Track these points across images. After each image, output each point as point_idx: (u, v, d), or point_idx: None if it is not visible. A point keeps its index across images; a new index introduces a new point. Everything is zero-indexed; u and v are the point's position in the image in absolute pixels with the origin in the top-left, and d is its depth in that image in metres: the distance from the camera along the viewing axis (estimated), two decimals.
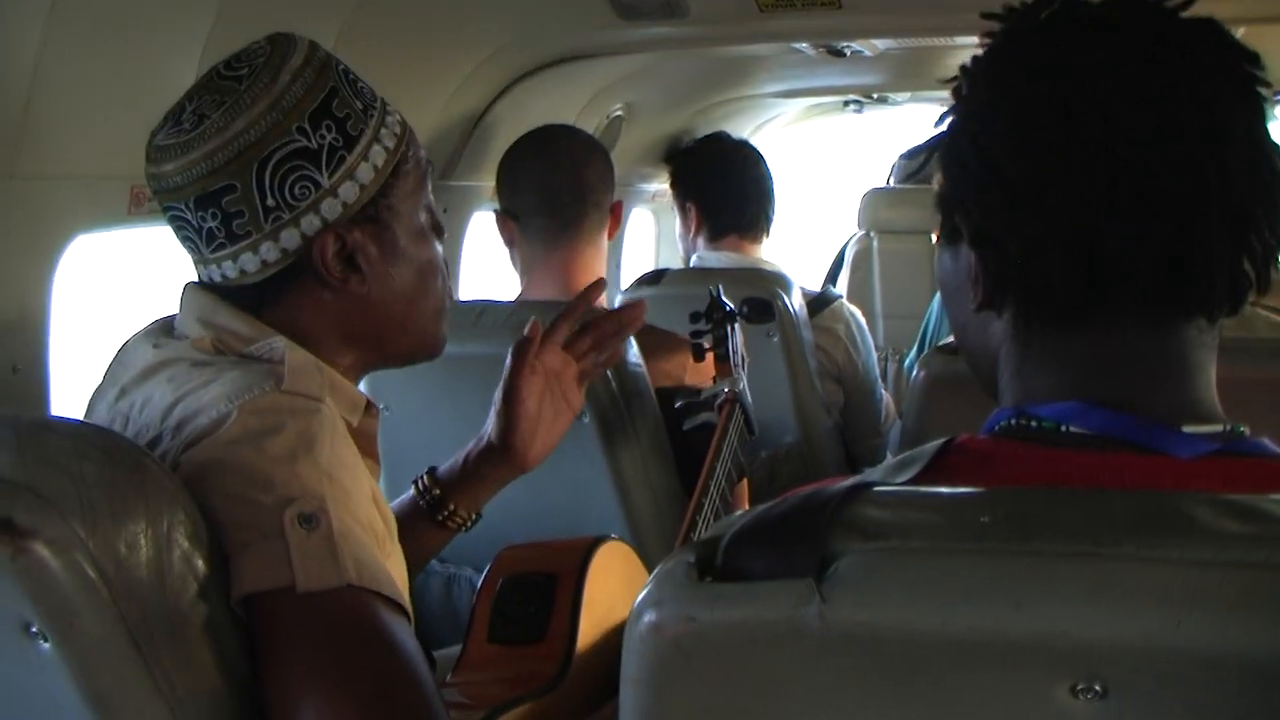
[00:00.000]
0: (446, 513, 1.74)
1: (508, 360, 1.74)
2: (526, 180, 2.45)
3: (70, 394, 2.04)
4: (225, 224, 1.39)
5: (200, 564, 1.20)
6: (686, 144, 3.57)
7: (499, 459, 1.75)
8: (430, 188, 1.54)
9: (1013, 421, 1.05)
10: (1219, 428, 1.01)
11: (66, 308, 2.01)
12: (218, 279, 1.43)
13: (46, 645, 1.12)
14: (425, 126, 1.49)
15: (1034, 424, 1.04)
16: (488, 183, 3.22)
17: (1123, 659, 0.77)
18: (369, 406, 1.49)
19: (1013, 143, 1.03)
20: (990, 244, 1.05)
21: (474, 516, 1.78)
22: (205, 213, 1.39)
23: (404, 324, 1.51)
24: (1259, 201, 1.00)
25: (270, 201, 1.38)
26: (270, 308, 1.44)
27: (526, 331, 1.75)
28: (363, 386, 1.57)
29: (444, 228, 1.58)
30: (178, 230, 1.43)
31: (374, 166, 1.43)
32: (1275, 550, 0.78)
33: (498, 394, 1.74)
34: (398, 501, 1.77)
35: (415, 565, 1.69)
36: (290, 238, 1.40)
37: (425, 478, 1.77)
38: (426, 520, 1.74)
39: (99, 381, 1.48)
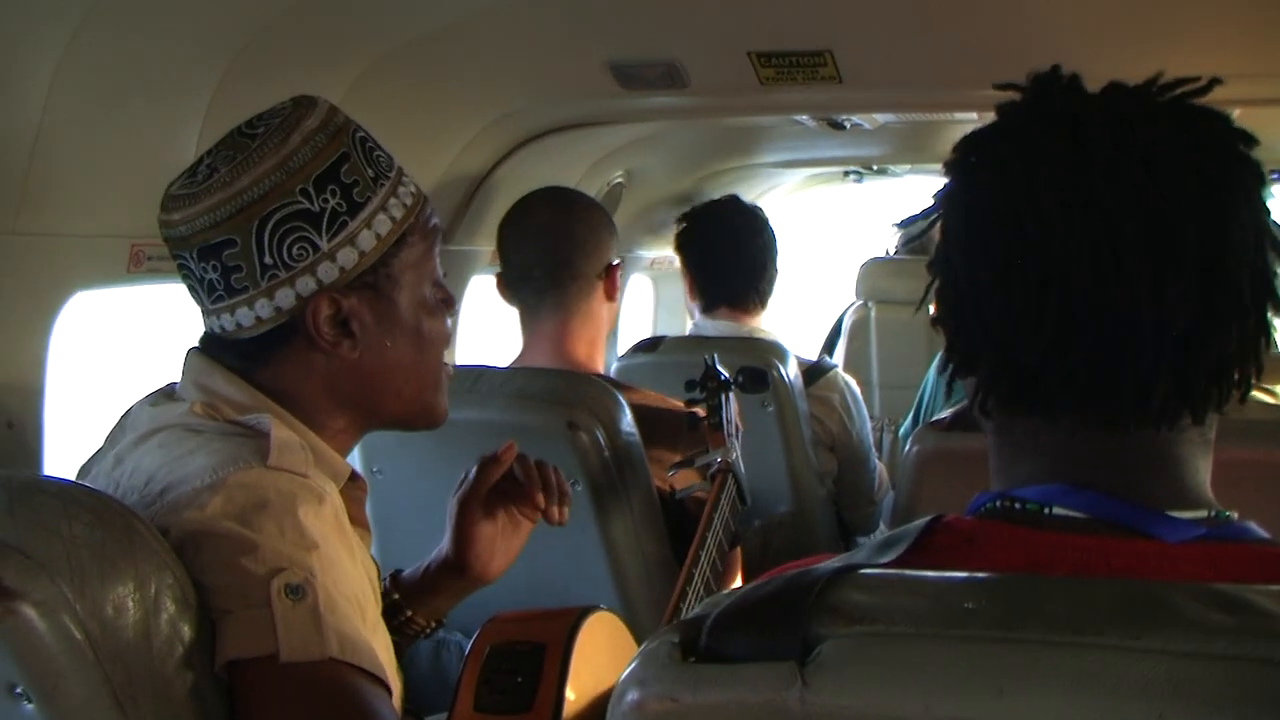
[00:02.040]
0: (403, 618, 1.72)
1: (471, 473, 1.72)
2: (508, 248, 2.45)
3: (64, 452, 2.04)
4: (225, 277, 1.40)
5: (186, 628, 1.20)
6: (695, 207, 3.53)
7: (458, 574, 1.72)
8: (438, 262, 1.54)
9: (998, 504, 1.05)
10: (1205, 513, 1.01)
11: (64, 365, 2.02)
12: (217, 330, 1.45)
13: (30, 706, 1.12)
14: (427, 189, 1.50)
15: (1018, 505, 1.03)
16: (487, 247, 3.24)
17: None
18: (354, 476, 1.50)
19: (960, 240, 1.04)
20: (948, 324, 1.07)
21: (432, 625, 1.75)
22: (207, 264, 1.41)
23: (398, 392, 1.51)
24: (1213, 316, 0.97)
25: (268, 259, 1.39)
26: (263, 365, 1.45)
27: (500, 451, 1.73)
28: (357, 449, 1.57)
29: (456, 303, 1.59)
30: (185, 279, 1.46)
31: (377, 235, 1.44)
32: (1260, 643, 0.77)
33: (451, 506, 1.72)
34: None
35: None
36: (285, 297, 1.41)
37: (389, 579, 1.74)
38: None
39: (99, 444, 1.49)
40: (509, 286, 2.45)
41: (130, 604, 1.16)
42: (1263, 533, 1.02)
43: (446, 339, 1.57)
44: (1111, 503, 1.00)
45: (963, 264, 1.04)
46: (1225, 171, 0.99)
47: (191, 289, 1.46)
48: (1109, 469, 1.01)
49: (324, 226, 1.40)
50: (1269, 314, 1.01)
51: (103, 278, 2.08)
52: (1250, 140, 1.02)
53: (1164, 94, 1.03)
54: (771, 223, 3.50)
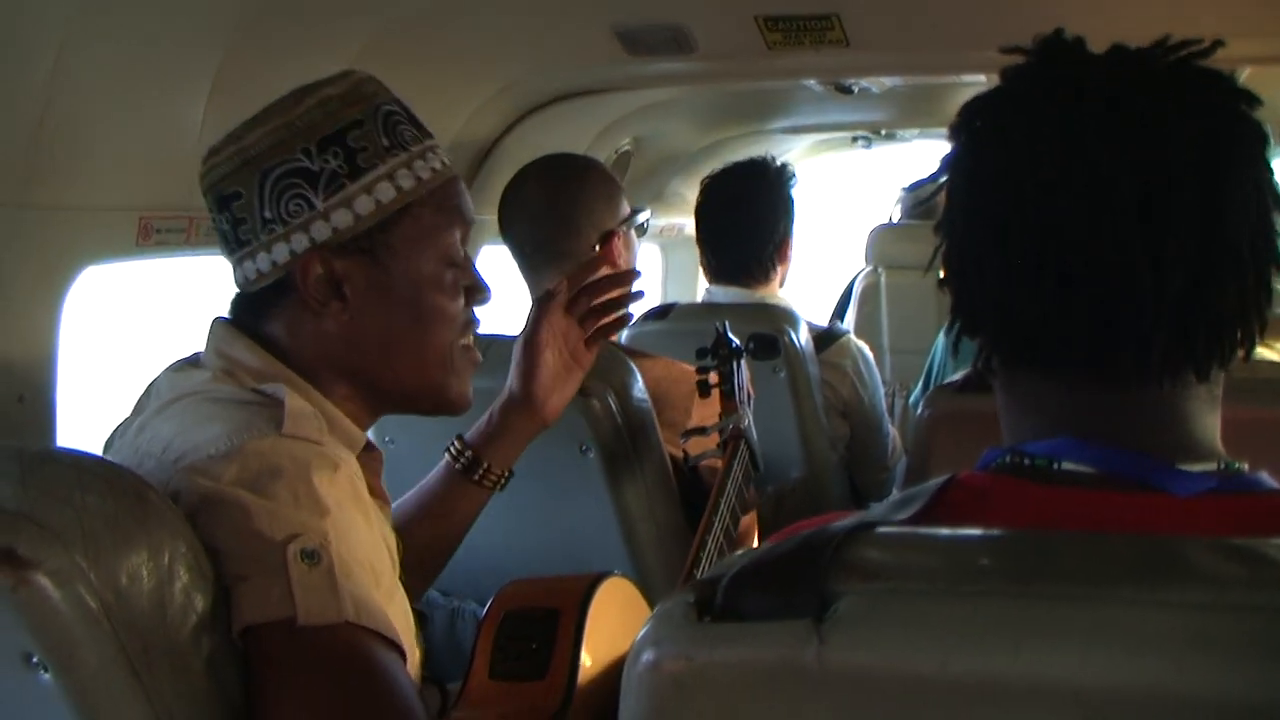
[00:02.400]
0: (482, 470, 1.81)
1: (531, 312, 1.84)
2: (503, 225, 2.42)
3: (76, 425, 2.05)
4: (234, 228, 1.45)
5: (201, 596, 1.20)
6: (714, 172, 3.44)
7: (521, 409, 1.83)
8: (459, 243, 1.55)
9: (1007, 459, 1.05)
10: (1214, 465, 1.01)
11: (74, 338, 2.02)
12: (237, 282, 1.50)
13: (47, 676, 1.12)
14: None
15: (1026, 461, 1.04)
16: (495, 217, 3.23)
17: (1123, 703, 0.77)
18: (370, 447, 1.50)
19: (963, 202, 1.06)
20: (952, 285, 1.09)
21: (507, 474, 1.84)
22: (221, 215, 1.46)
23: (396, 368, 1.51)
24: (1212, 275, 0.97)
25: (268, 213, 1.43)
26: (264, 320, 1.49)
27: (552, 287, 1.84)
28: (373, 429, 1.58)
29: (486, 291, 1.60)
30: (216, 231, 1.51)
31: (377, 201, 1.44)
32: (1275, 594, 0.77)
33: (517, 346, 1.84)
34: (429, 476, 1.84)
35: (457, 533, 1.82)
36: (280, 252, 1.44)
37: (456, 442, 1.83)
38: (463, 482, 1.81)
39: (110, 416, 1.50)
40: (514, 259, 2.44)
41: (144, 573, 1.16)
42: (1274, 483, 1.02)
43: (462, 322, 1.56)
44: (1120, 456, 1.00)
45: (965, 225, 1.06)
46: (1226, 132, 0.99)
47: (219, 240, 1.51)
48: (1114, 424, 1.02)
49: (321, 186, 1.42)
50: (1270, 273, 1.01)
51: (112, 251, 2.08)
52: (1253, 101, 1.02)
53: (1168, 56, 1.03)
54: (791, 187, 3.38)
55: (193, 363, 1.50)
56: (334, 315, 1.46)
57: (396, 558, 1.43)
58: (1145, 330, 0.97)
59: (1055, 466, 1.02)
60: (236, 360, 1.45)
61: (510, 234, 2.41)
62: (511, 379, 1.84)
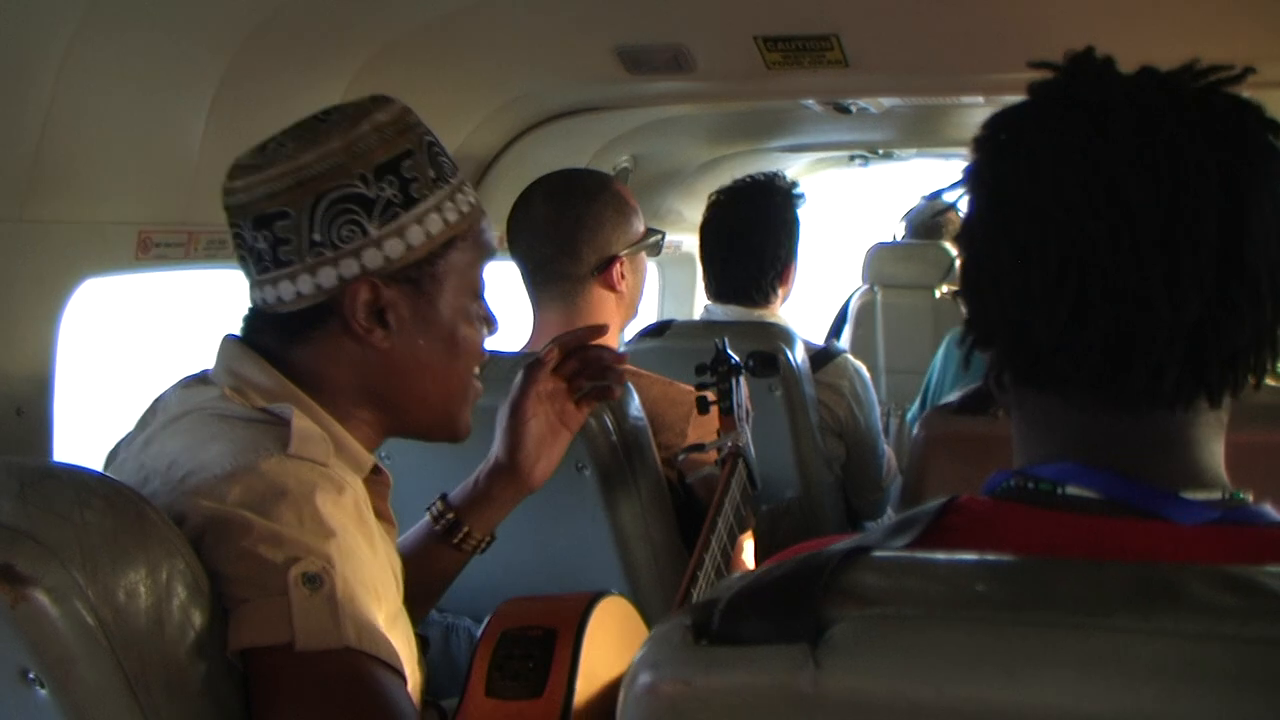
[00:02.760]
0: (462, 535, 1.78)
1: (517, 379, 1.80)
2: (509, 240, 2.42)
3: (74, 438, 2.05)
4: (274, 248, 1.43)
5: (199, 614, 1.20)
6: (721, 190, 3.42)
7: (507, 478, 1.79)
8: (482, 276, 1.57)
9: (1012, 483, 1.06)
10: (1219, 494, 1.01)
11: (73, 351, 2.03)
12: (259, 303, 1.48)
13: (44, 692, 1.12)
14: None
15: (1031, 485, 1.04)
16: (495, 232, 3.23)
17: None
18: (377, 470, 1.51)
19: (983, 217, 1.06)
20: (968, 298, 1.09)
21: (488, 538, 1.81)
22: (259, 234, 1.43)
23: (424, 396, 1.53)
24: (1229, 305, 0.97)
25: (317, 236, 1.42)
26: (299, 343, 1.48)
27: (542, 354, 1.81)
28: None
29: (497, 322, 1.61)
30: (237, 248, 1.48)
31: (427, 233, 1.46)
32: (1270, 625, 0.78)
33: (503, 412, 1.80)
34: (409, 532, 1.81)
35: (434, 592, 1.79)
36: (328, 276, 1.43)
37: (439, 503, 1.81)
38: (442, 544, 1.78)
39: (108, 430, 1.50)
40: (520, 273, 2.44)
41: (142, 590, 1.16)
42: (1277, 515, 1.02)
43: (480, 354, 1.59)
44: (1124, 483, 1.00)
45: (984, 241, 1.06)
46: (1249, 164, 0.99)
47: (241, 258, 1.48)
48: (1122, 449, 1.02)
49: (376, 214, 1.43)
50: None
51: (111, 264, 2.08)
52: (1279, 130, 1.02)
53: (1195, 81, 1.03)
54: (798, 208, 3.38)
55: (202, 379, 1.50)
56: (376, 342, 1.47)
57: (401, 581, 1.43)
58: (1159, 356, 0.97)
59: (1060, 491, 1.02)
60: (246, 378, 1.45)
61: (515, 249, 2.41)
62: (497, 446, 1.81)
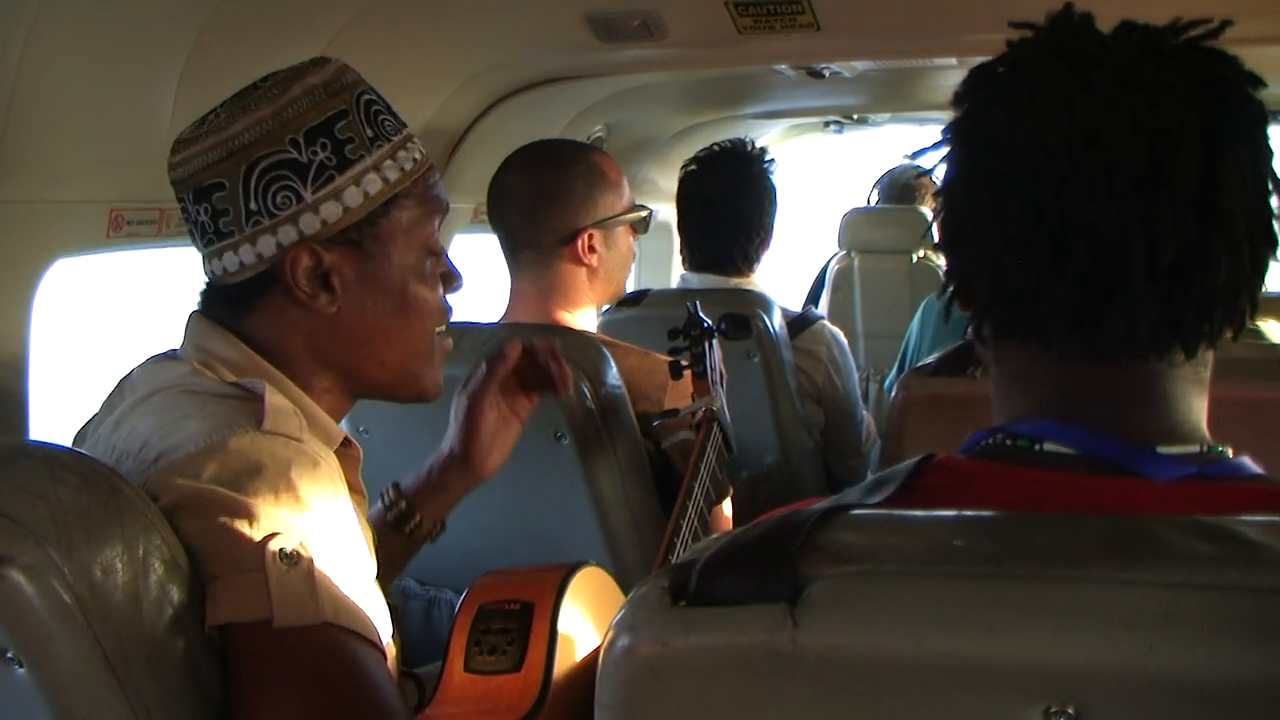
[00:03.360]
0: (414, 524, 1.79)
1: (479, 370, 1.81)
2: (489, 201, 2.42)
3: (49, 418, 2.04)
4: (214, 220, 1.43)
5: (176, 589, 1.19)
6: (695, 157, 3.41)
7: (460, 468, 1.81)
8: (437, 232, 1.55)
9: (990, 441, 1.06)
10: (1197, 448, 1.02)
11: (46, 332, 2.01)
12: (209, 275, 1.48)
13: (22, 670, 1.12)
14: None
15: (1009, 442, 1.04)
16: (468, 204, 3.22)
17: (1096, 682, 0.77)
18: (348, 442, 1.50)
19: (962, 167, 1.07)
20: (947, 250, 1.09)
21: (439, 527, 1.83)
22: (199, 207, 1.43)
23: (380, 357, 1.51)
24: (1205, 248, 0.98)
25: (253, 205, 1.41)
26: (246, 312, 1.47)
27: (505, 349, 1.81)
28: (347, 419, 1.57)
29: (459, 279, 1.60)
30: (186, 222, 1.48)
31: (365, 193, 1.44)
32: (1246, 572, 0.78)
33: (459, 404, 1.82)
34: None
35: (383, 578, 1.72)
36: (267, 244, 1.42)
37: (391, 491, 1.82)
38: (393, 533, 1.78)
39: (83, 410, 1.49)
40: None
41: (119, 566, 1.15)
42: (1255, 468, 1.03)
43: (439, 311, 1.57)
44: (1101, 439, 1.01)
45: (963, 190, 1.06)
46: (1226, 112, 0.99)
47: (190, 232, 1.48)
48: (1100, 403, 1.02)
49: (310, 178, 1.41)
50: (1265, 254, 1.02)
51: (83, 244, 2.07)
52: (1257, 83, 1.02)
53: (1175, 36, 1.03)
54: (771, 174, 3.40)
55: (170, 356, 1.49)
56: (322, 307, 1.46)
57: (373, 554, 1.43)
58: (1134, 301, 0.98)
59: (1038, 448, 1.02)
60: (214, 353, 1.44)
61: (493, 217, 2.41)
62: (451, 437, 1.83)
